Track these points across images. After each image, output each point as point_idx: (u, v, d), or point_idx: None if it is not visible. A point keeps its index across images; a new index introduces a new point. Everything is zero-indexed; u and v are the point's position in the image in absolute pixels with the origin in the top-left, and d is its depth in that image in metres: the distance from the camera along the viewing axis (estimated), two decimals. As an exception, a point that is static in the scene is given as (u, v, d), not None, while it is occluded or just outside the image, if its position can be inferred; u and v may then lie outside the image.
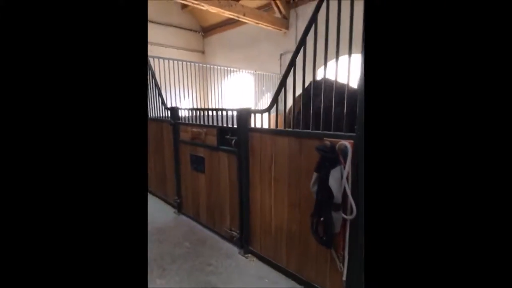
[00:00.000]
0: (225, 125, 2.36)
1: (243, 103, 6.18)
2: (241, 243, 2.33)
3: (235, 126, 2.22)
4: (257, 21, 5.24)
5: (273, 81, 6.04)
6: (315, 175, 1.60)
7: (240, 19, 5.03)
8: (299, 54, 1.75)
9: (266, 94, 5.91)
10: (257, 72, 5.62)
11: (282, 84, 1.84)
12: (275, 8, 5.73)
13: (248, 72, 5.54)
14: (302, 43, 1.70)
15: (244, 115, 2.10)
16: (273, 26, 5.68)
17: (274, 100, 1.89)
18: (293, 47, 6.22)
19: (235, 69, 5.21)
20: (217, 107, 5.01)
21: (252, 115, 2.12)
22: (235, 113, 2.21)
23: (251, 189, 2.16)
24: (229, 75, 5.26)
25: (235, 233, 2.38)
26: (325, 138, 1.58)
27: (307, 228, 1.79)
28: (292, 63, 1.76)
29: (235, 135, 2.23)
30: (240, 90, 5.99)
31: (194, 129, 2.67)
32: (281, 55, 6.29)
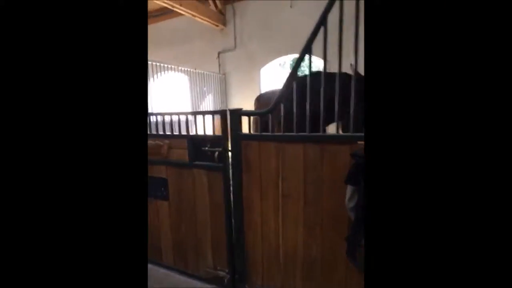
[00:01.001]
0: (200, 133, 1.80)
1: (179, 106, 5.43)
2: (233, 283, 1.82)
3: (219, 133, 1.70)
4: (193, 13, 4.64)
5: (213, 81, 5.52)
6: (350, 188, 1.28)
7: (175, 10, 4.33)
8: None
9: (208, 95, 5.34)
10: (197, 71, 5.00)
11: (293, 76, 1.45)
12: (210, 1, 5.24)
13: (186, 70, 4.86)
14: (322, 22, 1.35)
15: (233, 119, 1.61)
16: (209, 21, 5.17)
17: (281, 98, 1.48)
18: (231, 45, 5.86)
19: (171, 66, 4.46)
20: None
21: (246, 118, 1.64)
22: (216, 117, 1.69)
23: (246, 212, 1.69)
24: (159, 74, 4.44)
25: (222, 273, 1.85)
26: (359, 142, 1.28)
27: (333, 252, 1.46)
28: (307, 49, 1.39)
29: (217, 146, 1.71)
30: (173, 91, 5.20)
31: (149, 141, 1.98)
32: (219, 53, 5.82)
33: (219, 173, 1.73)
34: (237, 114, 1.61)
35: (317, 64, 5.46)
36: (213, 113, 1.72)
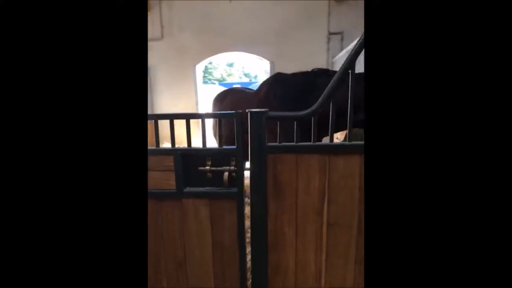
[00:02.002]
0: (195, 146, 1.21)
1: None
2: None
3: (232, 146, 1.17)
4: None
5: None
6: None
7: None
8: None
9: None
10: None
11: (349, 67, 1.08)
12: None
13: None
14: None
15: (256, 123, 1.12)
16: (129, 1, 4.16)
17: (331, 93, 1.09)
18: (157, 35, 4.92)
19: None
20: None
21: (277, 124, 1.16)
22: (206, 121, 1.15)
23: (273, 252, 1.23)
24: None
25: (232, 337, 1.31)
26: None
27: None
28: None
29: (225, 163, 1.18)
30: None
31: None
32: (141, 43, 4.80)
33: (231, 203, 1.20)
34: (262, 117, 1.12)
35: (262, 64, 5.27)
36: (220, 116, 1.17)
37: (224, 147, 1.18)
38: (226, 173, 1.18)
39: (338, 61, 4.54)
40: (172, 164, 1.19)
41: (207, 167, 1.18)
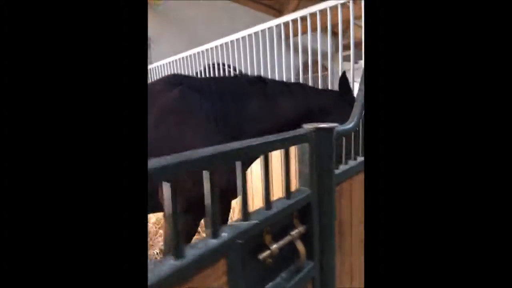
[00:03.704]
0: (250, 215, 0.53)
1: None
2: None
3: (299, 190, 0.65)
4: None
5: None
6: None
7: None
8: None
9: None
10: None
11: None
12: None
13: None
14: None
15: (324, 144, 0.70)
16: None
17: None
18: None
19: None
20: None
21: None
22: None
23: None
24: None
25: None
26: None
27: None
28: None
29: (288, 226, 0.65)
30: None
31: None
32: None
33: (308, 289, 0.68)
34: (332, 134, 0.72)
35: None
36: (287, 141, 0.60)
37: (295, 196, 0.63)
38: (299, 242, 0.64)
39: (155, 70, 3.98)
40: (225, 279, 0.45)
41: (273, 246, 0.57)
